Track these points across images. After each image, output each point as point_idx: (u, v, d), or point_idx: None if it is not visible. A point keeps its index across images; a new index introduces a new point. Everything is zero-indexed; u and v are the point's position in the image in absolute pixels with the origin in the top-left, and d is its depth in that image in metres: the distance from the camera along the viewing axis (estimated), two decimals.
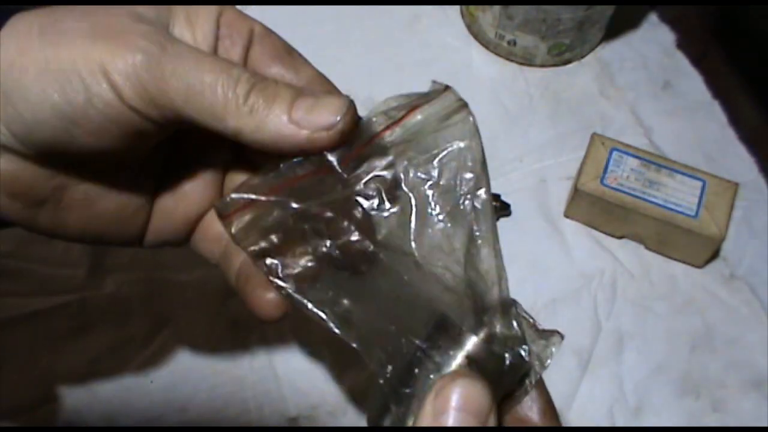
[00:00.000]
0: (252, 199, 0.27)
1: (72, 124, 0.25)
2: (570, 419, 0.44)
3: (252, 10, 0.66)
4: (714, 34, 0.60)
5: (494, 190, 0.50)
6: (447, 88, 0.28)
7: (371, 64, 0.58)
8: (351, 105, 0.27)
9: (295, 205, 0.27)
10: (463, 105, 0.28)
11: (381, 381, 0.25)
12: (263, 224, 0.27)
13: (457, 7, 0.60)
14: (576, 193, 0.48)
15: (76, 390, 0.44)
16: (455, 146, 0.28)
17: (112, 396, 0.43)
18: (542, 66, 0.58)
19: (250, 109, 0.25)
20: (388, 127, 0.27)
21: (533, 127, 0.55)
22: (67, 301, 0.46)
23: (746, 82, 0.57)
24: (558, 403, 0.45)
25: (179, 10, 0.27)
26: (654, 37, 0.60)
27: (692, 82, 0.57)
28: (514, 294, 0.50)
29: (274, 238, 0.27)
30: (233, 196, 0.27)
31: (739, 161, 0.54)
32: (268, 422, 0.43)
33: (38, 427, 0.43)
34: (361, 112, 0.60)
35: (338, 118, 0.26)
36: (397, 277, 0.27)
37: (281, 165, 0.27)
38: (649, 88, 0.57)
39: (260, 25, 0.30)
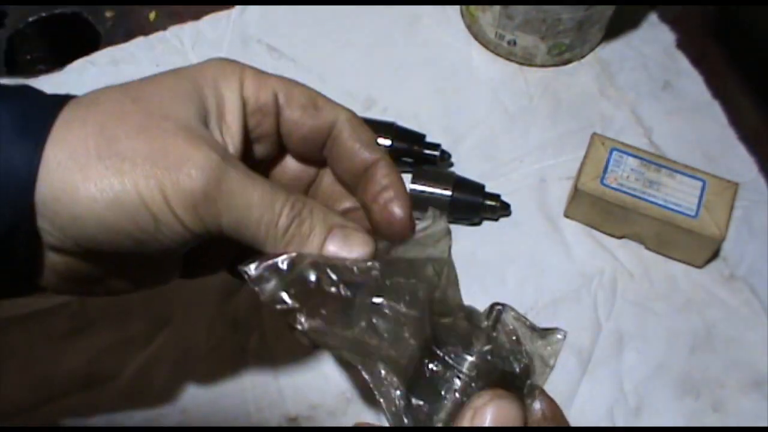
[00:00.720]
0: (271, 261, 0.29)
1: (139, 244, 0.28)
2: (570, 419, 0.44)
3: (252, 10, 0.67)
4: (714, 34, 0.60)
5: (494, 190, 0.50)
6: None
7: (371, 64, 0.58)
8: (373, 243, 0.30)
9: (309, 261, 0.29)
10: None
11: (390, 397, 0.28)
12: (286, 280, 0.29)
13: (457, 7, 0.60)
14: (576, 193, 0.48)
15: (76, 390, 0.44)
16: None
17: (112, 396, 0.43)
18: (542, 66, 0.58)
19: (288, 242, 0.29)
20: None
21: (533, 127, 0.55)
22: (67, 301, 0.46)
23: (746, 82, 0.57)
24: (558, 403, 0.45)
25: (211, 104, 0.30)
26: (654, 37, 0.60)
27: (692, 82, 0.57)
28: (514, 294, 0.50)
29: (297, 294, 0.29)
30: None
31: (739, 161, 0.54)
32: (268, 422, 0.43)
33: (38, 427, 0.43)
34: (361, 112, 0.61)
35: (365, 256, 0.30)
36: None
37: None
38: (649, 88, 0.57)
39: (280, 83, 0.32)
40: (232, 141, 0.30)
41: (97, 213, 0.26)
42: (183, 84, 0.29)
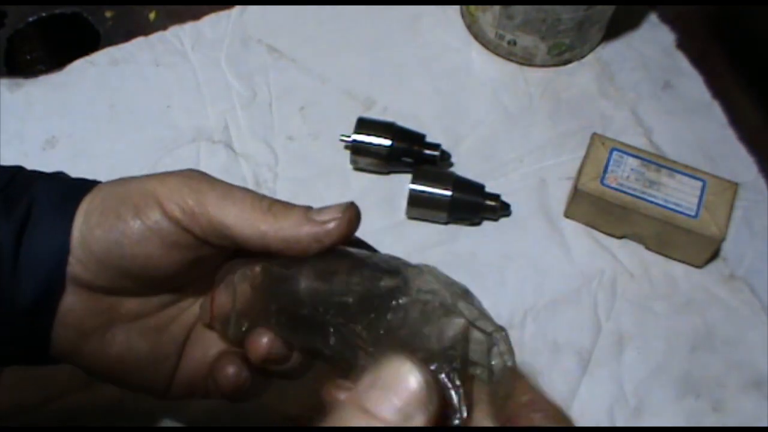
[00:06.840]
0: None
1: (122, 240, 0.30)
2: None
3: (252, 10, 0.67)
4: (714, 34, 0.60)
5: (494, 190, 0.50)
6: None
7: (371, 64, 0.58)
8: (352, 203, 0.32)
9: None
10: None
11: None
12: None
13: (457, 7, 0.60)
14: (576, 193, 0.48)
15: (76, 390, 0.44)
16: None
17: (112, 396, 0.43)
18: (542, 66, 0.58)
19: (274, 215, 0.31)
20: None
21: (533, 127, 0.55)
22: None
23: (746, 82, 0.57)
24: (558, 403, 0.45)
25: None
26: (654, 37, 0.60)
27: (692, 82, 0.57)
28: (514, 294, 0.50)
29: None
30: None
31: (739, 161, 0.54)
32: (268, 422, 0.43)
33: (38, 427, 0.43)
34: (361, 112, 0.60)
35: (344, 211, 0.31)
36: None
37: None
38: (649, 88, 0.57)
39: None
40: None
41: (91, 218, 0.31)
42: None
